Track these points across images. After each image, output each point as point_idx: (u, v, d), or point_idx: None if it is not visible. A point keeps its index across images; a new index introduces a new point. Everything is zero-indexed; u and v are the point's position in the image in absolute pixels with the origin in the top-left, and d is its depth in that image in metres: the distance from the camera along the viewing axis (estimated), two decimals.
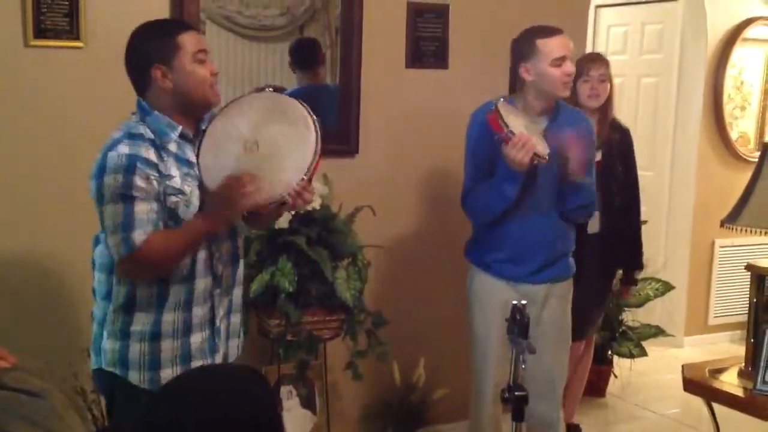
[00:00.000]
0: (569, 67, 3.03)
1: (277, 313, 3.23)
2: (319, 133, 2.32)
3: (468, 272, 3.28)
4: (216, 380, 1.45)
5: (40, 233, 3.18)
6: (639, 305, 4.83)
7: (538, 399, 3.19)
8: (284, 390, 3.42)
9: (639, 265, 4.15)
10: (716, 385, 3.35)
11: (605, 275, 4.02)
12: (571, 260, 3.28)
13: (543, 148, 2.91)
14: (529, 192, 3.05)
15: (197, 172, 2.32)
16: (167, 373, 2.33)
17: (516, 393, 2.10)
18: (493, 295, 3.13)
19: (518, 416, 2.12)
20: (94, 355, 2.40)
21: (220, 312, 2.43)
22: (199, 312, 2.37)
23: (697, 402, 3.54)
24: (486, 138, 2.98)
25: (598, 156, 3.67)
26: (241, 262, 2.53)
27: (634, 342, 4.72)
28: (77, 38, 3.17)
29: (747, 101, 5.68)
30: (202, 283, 2.35)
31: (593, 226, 3.76)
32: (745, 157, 5.55)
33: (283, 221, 3.24)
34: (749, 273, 3.46)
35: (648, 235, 4.74)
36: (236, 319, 2.54)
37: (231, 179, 2.26)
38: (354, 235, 3.42)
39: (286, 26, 3.83)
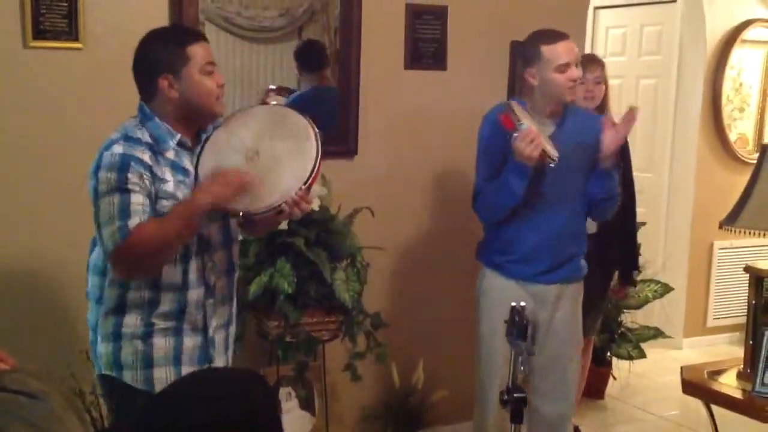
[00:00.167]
0: (574, 72, 3.05)
1: (275, 315, 3.23)
2: (320, 145, 2.35)
3: (479, 272, 3.29)
4: (214, 384, 1.45)
5: (39, 234, 3.18)
6: (638, 307, 4.83)
7: (550, 398, 3.26)
8: (283, 391, 3.42)
9: (635, 266, 4.16)
10: (715, 386, 3.35)
11: (603, 276, 4.02)
12: (583, 262, 3.29)
13: (551, 150, 2.94)
14: (539, 192, 3.06)
15: (192, 180, 2.33)
16: (161, 373, 2.34)
17: (515, 395, 2.10)
18: (503, 296, 3.13)
19: (517, 418, 2.12)
20: (95, 362, 2.43)
21: (213, 323, 2.42)
22: (190, 320, 2.37)
23: (696, 404, 3.54)
24: (498, 137, 3.02)
25: None
26: (237, 273, 2.54)
27: (633, 344, 4.72)
28: (76, 39, 3.17)
29: (746, 103, 5.68)
30: (194, 294, 2.36)
31: (591, 227, 3.76)
32: (743, 158, 5.55)
33: (281, 223, 3.25)
34: (748, 275, 3.47)
35: (647, 237, 4.75)
36: (233, 329, 2.55)
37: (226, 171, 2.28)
38: (353, 237, 3.42)
39: (285, 27, 3.83)
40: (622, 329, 4.76)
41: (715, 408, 3.37)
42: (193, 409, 1.35)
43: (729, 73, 5.53)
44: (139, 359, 2.33)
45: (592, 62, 3.84)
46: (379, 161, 3.85)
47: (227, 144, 2.37)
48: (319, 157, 2.34)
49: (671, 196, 5.69)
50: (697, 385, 3.37)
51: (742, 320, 3.71)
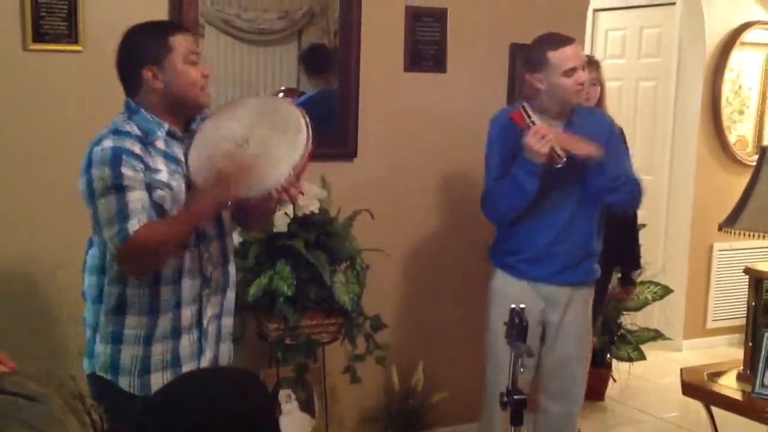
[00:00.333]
0: (581, 76, 3.07)
1: (275, 317, 3.23)
2: (310, 133, 2.34)
3: (491, 273, 3.31)
4: (210, 385, 1.45)
5: (39, 235, 3.18)
6: (638, 309, 4.83)
7: (557, 399, 3.29)
8: (283, 394, 3.42)
9: (636, 265, 4.15)
10: (715, 388, 3.35)
11: (602, 276, 4.02)
12: (597, 265, 3.30)
13: (559, 149, 2.97)
14: (551, 192, 3.08)
15: (185, 169, 2.33)
16: (157, 378, 2.32)
17: (515, 397, 2.10)
18: (512, 296, 3.13)
19: (517, 420, 2.12)
20: (88, 359, 2.39)
21: (208, 312, 2.42)
22: (188, 313, 2.36)
23: (696, 405, 3.54)
24: (508, 137, 3.05)
25: None
26: (233, 264, 2.53)
27: (632, 346, 4.72)
28: (76, 42, 3.17)
29: (745, 105, 5.68)
30: (189, 284, 2.35)
31: None
32: (743, 160, 5.55)
33: (281, 225, 3.25)
34: (747, 276, 3.46)
35: (647, 239, 4.75)
36: (228, 322, 2.52)
37: (220, 168, 2.27)
38: (352, 239, 3.42)
39: (284, 30, 3.84)
40: (622, 331, 4.76)
41: (715, 410, 3.36)
42: (189, 411, 1.35)
43: (728, 76, 5.53)
44: (137, 365, 2.32)
45: (587, 63, 3.85)
46: (379, 163, 3.85)
47: (216, 134, 2.36)
48: (310, 144, 2.32)
49: (671, 198, 5.69)
50: (697, 386, 3.37)
51: (742, 322, 3.71)
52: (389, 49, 3.83)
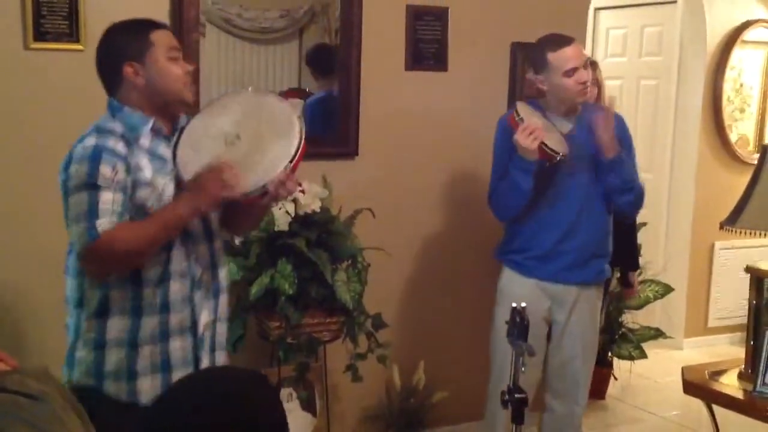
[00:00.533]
0: (582, 75, 3.08)
1: (277, 316, 3.23)
2: (303, 127, 2.29)
3: (499, 272, 3.32)
4: (214, 385, 1.44)
5: (39, 235, 3.18)
6: (639, 307, 4.83)
7: (561, 398, 3.31)
8: (284, 392, 3.42)
9: (635, 266, 4.15)
10: (716, 387, 3.35)
11: None
12: (607, 266, 3.30)
13: (556, 145, 2.98)
14: (557, 189, 3.09)
15: (171, 167, 2.27)
16: (145, 383, 2.24)
17: (516, 395, 2.10)
18: (517, 295, 3.12)
19: (518, 419, 2.12)
20: (67, 368, 2.29)
21: (203, 319, 2.33)
22: (177, 317, 2.27)
23: (697, 404, 3.54)
24: (508, 138, 3.05)
25: None
26: (224, 269, 2.43)
27: (633, 344, 4.72)
28: (77, 41, 3.17)
29: (746, 103, 5.68)
30: (177, 285, 2.27)
31: None
32: (744, 159, 5.55)
33: (282, 224, 3.25)
34: (749, 275, 3.46)
35: (647, 238, 4.75)
36: (222, 329, 2.43)
37: (209, 166, 2.21)
38: (353, 238, 3.43)
39: (285, 29, 3.84)
40: (623, 330, 4.76)
41: (716, 408, 3.36)
42: (193, 412, 1.35)
43: (729, 74, 5.53)
44: (123, 370, 2.22)
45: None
46: (380, 162, 3.85)
47: (205, 130, 2.31)
48: (303, 137, 2.26)
49: (672, 197, 5.69)
50: (698, 385, 3.37)
51: (743, 320, 3.71)
52: (390, 48, 3.83)
